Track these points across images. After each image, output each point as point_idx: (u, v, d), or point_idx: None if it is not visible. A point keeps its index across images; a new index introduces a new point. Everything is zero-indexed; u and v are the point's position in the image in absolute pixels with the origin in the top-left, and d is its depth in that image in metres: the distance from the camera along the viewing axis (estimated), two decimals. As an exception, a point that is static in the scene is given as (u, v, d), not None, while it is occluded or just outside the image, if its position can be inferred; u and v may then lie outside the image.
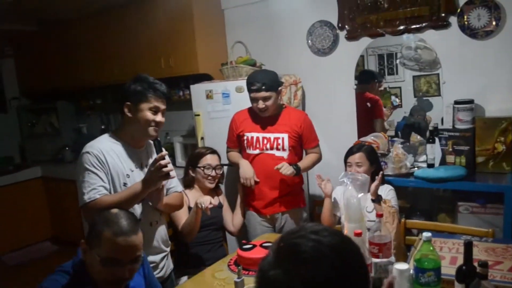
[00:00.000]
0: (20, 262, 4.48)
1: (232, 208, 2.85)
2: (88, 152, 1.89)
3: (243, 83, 2.90)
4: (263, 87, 2.57)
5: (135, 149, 2.03)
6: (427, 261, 1.58)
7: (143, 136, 2.02)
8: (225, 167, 3.05)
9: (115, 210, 1.56)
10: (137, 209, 1.99)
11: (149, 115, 1.94)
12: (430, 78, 3.49)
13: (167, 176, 1.88)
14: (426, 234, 1.61)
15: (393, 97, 3.85)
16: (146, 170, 2.03)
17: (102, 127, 4.97)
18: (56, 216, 4.97)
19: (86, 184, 1.85)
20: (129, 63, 4.02)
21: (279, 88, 2.69)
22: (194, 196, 2.60)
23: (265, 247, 2.16)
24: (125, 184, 1.94)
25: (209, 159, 2.69)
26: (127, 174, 1.96)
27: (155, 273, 2.04)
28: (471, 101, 2.79)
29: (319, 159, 2.86)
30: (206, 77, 3.61)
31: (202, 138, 3.26)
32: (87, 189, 1.84)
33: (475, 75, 2.87)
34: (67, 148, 5.01)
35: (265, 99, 2.60)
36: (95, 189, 1.84)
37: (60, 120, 5.14)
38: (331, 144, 3.33)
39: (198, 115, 3.26)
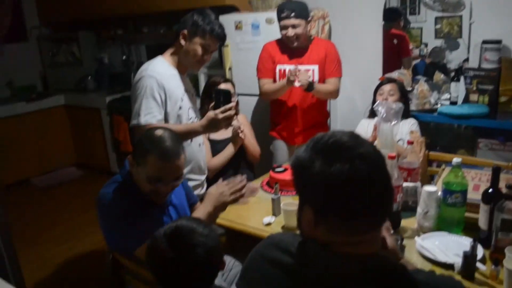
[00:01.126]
0: (48, 185, 4.71)
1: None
2: (150, 76, 1.96)
3: (273, 14, 2.90)
4: (292, 14, 2.59)
5: (181, 74, 2.12)
6: (455, 184, 1.71)
7: (187, 66, 2.13)
8: (244, 97, 3.07)
9: (160, 132, 1.62)
10: None
11: (199, 50, 2.01)
12: (453, 19, 3.47)
13: (230, 125, 1.97)
14: (456, 160, 1.72)
15: (422, 46, 3.89)
16: (188, 95, 2.14)
17: (124, 57, 5.01)
18: (80, 143, 5.13)
19: (143, 106, 1.93)
20: (153, -8, 3.97)
21: (309, 18, 2.70)
22: None
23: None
24: (180, 108, 2.04)
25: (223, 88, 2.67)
26: (181, 98, 2.06)
27: (197, 190, 2.20)
28: (499, 41, 2.81)
29: (334, 93, 2.80)
30: (232, 9, 3.59)
31: (230, 69, 3.31)
32: (144, 112, 1.93)
33: (504, 16, 2.86)
34: (89, 78, 5.08)
35: (294, 26, 2.62)
36: (152, 113, 1.93)
37: (81, 50, 5.15)
38: (355, 80, 3.38)
39: (227, 46, 3.29)
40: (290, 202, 1.89)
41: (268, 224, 1.91)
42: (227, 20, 3.30)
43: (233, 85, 2.81)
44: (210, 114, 1.91)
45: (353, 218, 0.89)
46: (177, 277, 1.19)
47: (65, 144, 5.13)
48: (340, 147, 0.90)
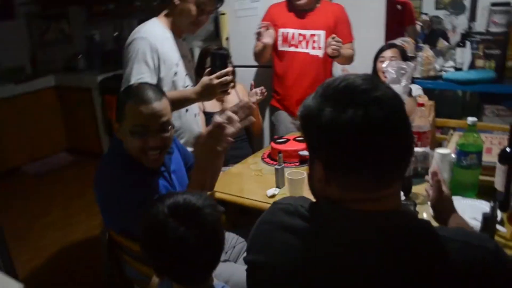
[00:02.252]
0: (39, 173, 4.52)
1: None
2: (142, 38, 1.82)
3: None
4: None
5: (177, 38, 1.99)
6: (470, 145, 1.62)
7: (183, 28, 1.99)
8: (243, 69, 2.95)
9: (136, 83, 1.52)
10: None
11: (193, 9, 1.87)
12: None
13: (226, 92, 1.82)
14: (472, 119, 1.62)
15: (423, 16, 3.79)
16: (184, 61, 2.01)
17: (115, 34, 4.84)
18: (71, 126, 4.94)
19: (134, 71, 1.80)
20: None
21: None
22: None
23: (299, 141, 2.19)
24: (175, 74, 1.91)
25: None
26: (176, 63, 1.93)
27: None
28: (507, 4, 2.72)
29: (352, 56, 2.70)
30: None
31: (227, 39, 3.16)
32: (134, 77, 1.79)
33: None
34: (79, 56, 4.90)
35: None
36: (143, 79, 1.79)
37: (71, 27, 4.97)
38: (356, 47, 3.25)
39: (224, 14, 3.13)
40: (295, 171, 1.78)
41: (272, 196, 1.80)
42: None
43: (230, 55, 2.68)
44: (205, 79, 1.77)
45: (366, 172, 0.78)
46: (190, 255, 1.04)
47: (56, 128, 4.92)
48: (353, 91, 0.79)
